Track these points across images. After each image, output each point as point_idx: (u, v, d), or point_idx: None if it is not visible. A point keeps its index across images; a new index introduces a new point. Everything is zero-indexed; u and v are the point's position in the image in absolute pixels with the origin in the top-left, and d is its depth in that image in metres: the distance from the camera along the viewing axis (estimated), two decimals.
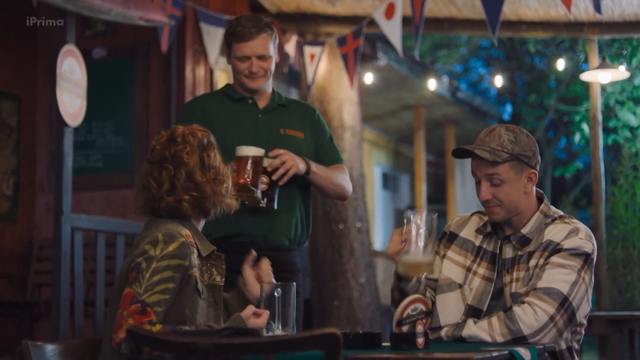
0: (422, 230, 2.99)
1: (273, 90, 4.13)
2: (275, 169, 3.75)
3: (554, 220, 3.21)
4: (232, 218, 3.46)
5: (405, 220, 3.02)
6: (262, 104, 4.06)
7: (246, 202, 3.69)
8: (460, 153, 3.25)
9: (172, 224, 2.94)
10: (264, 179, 3.73)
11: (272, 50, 3.99)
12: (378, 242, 15.52)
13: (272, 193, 3.78)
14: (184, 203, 2.98)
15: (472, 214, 3.46)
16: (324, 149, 4.12)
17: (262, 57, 3.96)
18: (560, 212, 3.26)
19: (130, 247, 6.57)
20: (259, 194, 3.68)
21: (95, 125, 8.12)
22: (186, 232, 2.93)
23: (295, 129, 4.05)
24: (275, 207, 3.80)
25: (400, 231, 3.04)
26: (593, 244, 3.15)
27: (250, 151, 3.71)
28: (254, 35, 3.93)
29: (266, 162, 3.74)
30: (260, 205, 3.73)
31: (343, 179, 4.07)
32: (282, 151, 3.80)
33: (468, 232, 3.38)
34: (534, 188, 3.28)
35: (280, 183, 3.78)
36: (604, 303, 8.38)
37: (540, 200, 3.29)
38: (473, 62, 19.77)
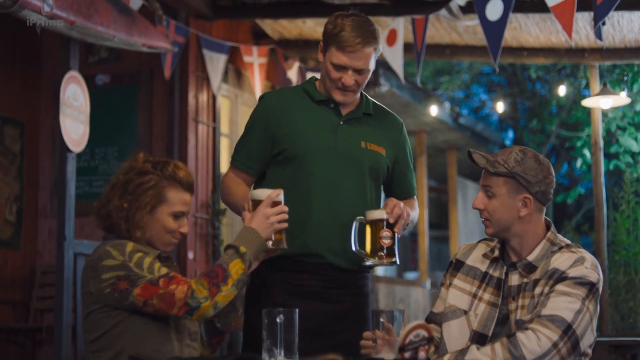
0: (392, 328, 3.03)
1: (362, 94, 3.67)
2: (395, 222, 3.35)
3: (560, 248, 3.20)
4: (309, 236, 3.42)
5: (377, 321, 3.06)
6: (345, 109, 3.61)
7: (367, 263, 3.40)
8: (470, 156, 3.33)
9: (114, 241, 3.02)
10: (388, 233, 3.35)
11: (373, 64, 3.50)
12: (380, 268, 15.49)
13: (394, 246, 3.37)
14: (96, 217, 3.10)
15: (479, 242, 3.47)
16: (404, 176, 3.75)
17: (360, 71, 3.48)
18: (567, 241, 3.26)
19: None
20: (384, 252, 3.33)
21: (98, 151, 8.14)
22: (128, 242, 3.01)
23: (378, 143, 3.61)
24: (398, 262, 3.40)
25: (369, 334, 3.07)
26: (599, 274, 3.12)
27: (378, 214, 3.34)
28: (357, 47, 3.42)
29: (378, 214, 3.35)
30: (387, 263, 3.38)
31: (417, 216, 3.72)
32: (395, 201, 3.39)
33: (474, 259, 3.39)
34: (543, 216, 3.28)
35: (399, 235, 3.40)
36: (606, 329, 8.37)
37: (547, 228, 3.28)
38: (475, 88, 19.81)
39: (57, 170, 6.58)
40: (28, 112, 8.29)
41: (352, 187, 3.54)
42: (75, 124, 6.01)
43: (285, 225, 3.20)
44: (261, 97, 3.70)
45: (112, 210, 3.02)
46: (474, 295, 3.31)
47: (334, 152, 3.52)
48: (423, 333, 2.87)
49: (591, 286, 3.07)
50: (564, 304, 3.02)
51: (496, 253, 3.32)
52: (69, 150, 5.93)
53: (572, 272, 3.08)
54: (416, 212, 3.71)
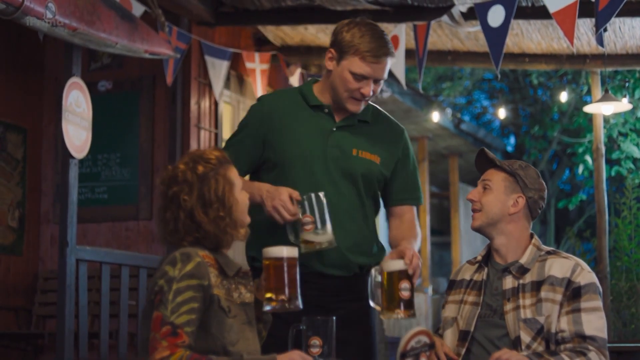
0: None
1: None
2: (413, 273, 3.21)
3: (548, 253, 3.42)
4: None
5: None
6: (340, 116, 3.58)
7: (382, 317, 3.22)
8: (479, 159, 3.56)
9: (191, 247, 2.95)
10: (407, 284, 3.17)
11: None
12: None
13: (413, 298, 3.20)
14: (184, 243, 2.98)
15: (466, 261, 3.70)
16: (402, 182, 3.66)
17: (377, 81, 3.47)
18: (550, 248, 3.48)
19: (135, 279, 6.57)
20: (403, 306, 3.16)
21: (100, 158, 8.15)
22: (204, 252, 2.94)
23: (372, 151, 3.56)
24: (416, 314, 3.24)
25: None
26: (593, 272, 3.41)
27: (397, 265, 3.17)
28: (382, 58, 3.42)
29: (397, 265, 3.18)
30: (405, 317, 3.18)
31: (419, 234, 3.62)
32: (411, 249, 3.26)
33: (462, 274, 3.60)
34: (530, 227, 3.51)
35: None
36: (608, 335, 8.35)
37: (531, 237, 3.50)
38: (476, 94, 19.80)
39: (59, 176, 6.59)
40: (31, 119, 8.31)
41: (342, 196, 3.50)
42: (77, 131, 6.01)
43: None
44: (259, 99, 3.71)
45: (210, 229, 2.95)
46: (460, 301, 3.50)
47: (323, 159, 3.50)
48: (424, 339, 2.88)
49: (598, 288, 3.32)
50: (598, 321, 3.27)
51: (479, 258, 3.54)
52: (71, 157, 5.93)
53: (582, 280, 3.29)
54: (417, 233, 3.61)
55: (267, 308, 3.01)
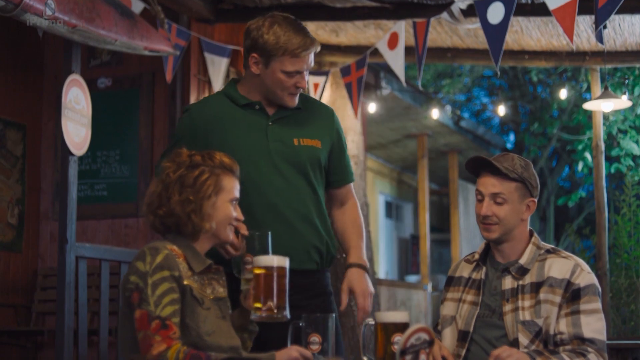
0: None
1: None
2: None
3: (548, 252, 3.41)
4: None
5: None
6: (272, 109, 3.62)
7: None
8: (474, 164, 3.49)
9: (159, 241, 3.00)
10: (400, 337, 2.91)
11: None
12: (381, 271, 15.50)
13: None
14: (153, 217, 3.06)
15: (463, 258, 3.69)
16: (339, 163, 3.71)
17: (307, 70, 3.56)
18: (550, 246, 3.47)
19: None
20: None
21: (100, 155, 8.14)
22: (172, 246, 2.98)
23: (312, 137, 3.60)
24: None
25: None
26: (592, 272, 3.38)
27: (386, 318, 3.05)
28: (310, 49, 3.48)
29: (392, 317, 3.07)
30: None
31: (362, 222, 3.73)
32: (359, 287, 3.53)
33: (460, 270, 3.60)
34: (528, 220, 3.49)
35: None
36: (607, 332, 8.36)
37: (530, 233, 3.49)
38: (476, 91, 19.79)
39: (59, 173, 6.59)
40: (30, 116, 8.30)
41: (292, 188, 3.52)
42: (77, 127, 6.01)
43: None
44: (186, 109, 3.68)
45: (175, 207, 3.00)
46: (459, 300, 3.51)
47: (267, 154, 3.51)
48: (424, 336, 2.88)
49: (597, 289, 3.33)
50: (597, 323, 3.30)
51: (476, 256, 3.54)
52: (70, 154, 5.93)
53: (581, 282, 3.29)
54: (361, 223, 3.70)
55: (254, 317, 3.02)
